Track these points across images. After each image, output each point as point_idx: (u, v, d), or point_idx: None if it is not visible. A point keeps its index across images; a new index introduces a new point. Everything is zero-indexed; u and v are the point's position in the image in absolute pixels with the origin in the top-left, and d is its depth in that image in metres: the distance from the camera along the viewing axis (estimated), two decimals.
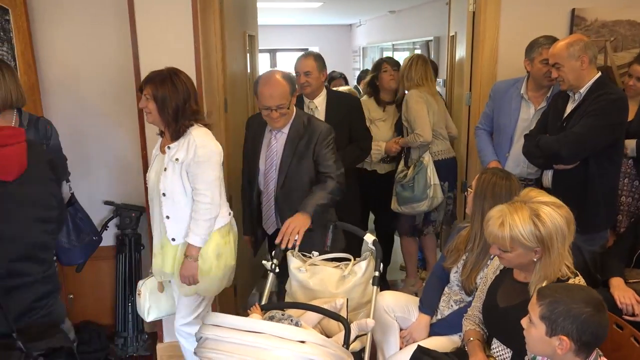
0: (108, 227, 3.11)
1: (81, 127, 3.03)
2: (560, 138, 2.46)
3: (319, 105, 3.14)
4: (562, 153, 2.44)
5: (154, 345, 3.09)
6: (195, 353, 1.90)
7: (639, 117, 2.77)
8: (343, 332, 2.00)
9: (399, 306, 2.38)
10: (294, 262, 2.37)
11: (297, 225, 2.33)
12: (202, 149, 2.21)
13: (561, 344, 1.48)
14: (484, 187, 2.15)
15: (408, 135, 3.49)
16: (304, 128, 2.51)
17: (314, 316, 2.16)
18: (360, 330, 2.09)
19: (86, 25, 2.94)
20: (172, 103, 2.19)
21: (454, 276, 2.28)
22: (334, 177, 2.48)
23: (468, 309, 2.11)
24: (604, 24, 3.21)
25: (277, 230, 2.60)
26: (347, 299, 2.21)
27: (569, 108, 2.56)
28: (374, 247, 2.36)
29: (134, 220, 3.11)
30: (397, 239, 4.02)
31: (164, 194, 2.28)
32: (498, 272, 1.99)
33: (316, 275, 2.34)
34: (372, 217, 4.06)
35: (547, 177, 2.67)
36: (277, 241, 2.34)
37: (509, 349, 1.88)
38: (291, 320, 1.98)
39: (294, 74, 3.19)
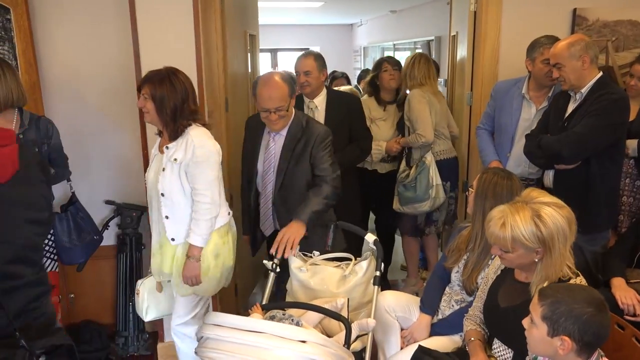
0: (109, 226, 3.11)
1: (82, 126, 3.03)
2: (562, 138, 2.46)
3: (319, 105, 3.14)
4: (564, 153, 2.44)
5: (155, 344, 3.09)
6: (196, 352, 1.90)
7: None
8: (344, 331, 2.01)
9: (400, 306, 2.38)
10: (295, 262, 2.38)
11: (291, 235, 2.31)
12: (200, 149, 2.20)
13: (563, 344, 1.48)
14: (485, 187, 2.15)
15: (410, 134, 3.49)
16: (302, 130, 2.49)
17: (314, 316, 2.16)
18: (361, 330, 2.09)
19: (87, 25, 2.95)
20: (170, 103, 2.18)
21: (455, 276, 2.28)
22: (329, 181, 2.45)
23: (469, 309, 2.11)
24: (606, 24, 3.21)
25: (275, 232, 2.60)
26: (348, 299, 2.21)
27: (570, 108, 2.56)
28: (374, 247, 2.36)
29: (134, 219, 3.11)
30: (398, 238, 4.02)
31: (162, 194, 2.27)
32: (499, 272, 1.99)
33: (317, 275, 2.34)
34: (372, 216, 4.06)
35: (549, 177, 2.67)
36: (271, 251, 2.33)
37: (510, 349, 1.87)
38: (292, 320, 1.98)
39: (294, 74, 3.20)
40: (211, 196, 2.24)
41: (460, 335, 2.18)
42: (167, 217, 2.29)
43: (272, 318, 1.99)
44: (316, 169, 2.48)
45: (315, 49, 8.71)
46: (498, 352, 1.92)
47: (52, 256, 2.70)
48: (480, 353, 1.92)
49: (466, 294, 2.23)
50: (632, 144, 2.72)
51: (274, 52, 11.22)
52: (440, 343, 2.17)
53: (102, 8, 2.93)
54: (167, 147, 2.26)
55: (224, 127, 3.07)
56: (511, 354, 1.87)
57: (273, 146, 2.55)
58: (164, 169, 2.26)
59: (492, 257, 2.06)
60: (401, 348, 2.28)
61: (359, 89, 5.23)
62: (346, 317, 2.09)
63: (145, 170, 2.74)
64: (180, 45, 2.75)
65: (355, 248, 2.53)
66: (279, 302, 2.45)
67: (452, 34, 4.04)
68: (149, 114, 2.24)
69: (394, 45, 8.54)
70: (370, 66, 6.46)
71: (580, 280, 1.77)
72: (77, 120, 3.02)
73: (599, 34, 3.20)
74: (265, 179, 2.59)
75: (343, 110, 3.15)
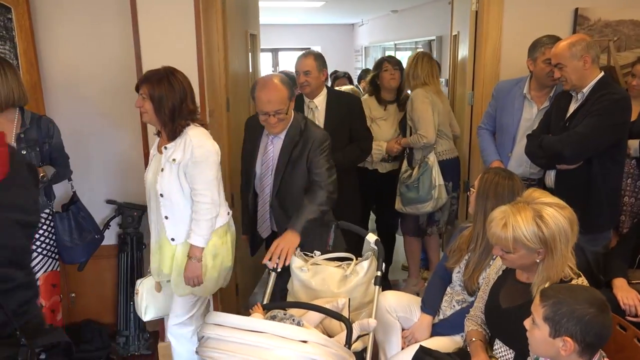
0: (110, 225, 3.11)
1: (83, 126, 3.04)
2: (563, 138, 2.45)
3: (319, 105, 3.13)
4: (565, 153, 2.44)
5: (156, 344, 3.09)
6: (197, 352, 1.90)
7: None
8: (345, 331, 2.00)
9: (401, 306, 2.38)
10: (296, 262, 2.37)
11: (285, 245, 2.30)
12: (198, 149, 2.19)
13: (565, 345, 1.47)
14: (487, 187, 2.14)
15: (412, 134, 3.48)
16: (300, 134, 2.47)
17: (315, 316, 2.16)
18: (362, 330, 2.09)
19: (88, 25, 2.95)
20: (168, 103, 2.17)
21: (456, 276, 2.27)
22: (324, 186, 2.42)
23: (470, 310, 2.10)
24: (607, 24, 3.20)
25: (273, 234, 2.60)
26: (349, 299, 2.21)
27: (572, 108, 2.55)
28: (376, 247, 2.36)
29: (136, 219, 3.11)
30: (399, 238, 4.02)
31: (161, 195, 2.27)
32: (500, 272, 1.99)
33: (318, 275, 2.34)
34: (373, 216, 4.06)
35: (550, 177, 2.66)
36: (264, 262, 2.32)
37: (511, 350, 1.87)
38: (293, 319, 1.98)
39: (293, 75, 3.19)
40: (211, 196, 2.24)
41: (462, 336, 2.17)
42: (166, 218, 2.29)
43: (273, 318, 1.99)
44: (312, 173, 2.46)
45: (317, 48, 8.73)
46: (499, 352, 1.91)
47: (53, 255, 2.70)
48: (481, 353, 1.92)
49: (467, 295, 2.23)
50: (633, 144, 2.72)
51: (275, 51, 11.23)
52: (442, 343, 2.16)
53: (103, 8, 2.93)
54: (165, 148, 2.25)
55: (225, 126, 3.07)
56: (512, 355, 1.86)
57: (271, 149, 2.54)
58: (162, 170, 2.25)
59: (494, 257, 2.05)
60: (402, 348, 2.28)
61: (358, 89, 5.23)
62: (347, 317, 2.09)
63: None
64: (181, 45, 2.75)
65: (355, 248, 2.53)
66: (280, 302, 2.45)
67: (453, 33, 4.04)
68: (147, 114, 2.22)
69: (395, 45, 8.55)
70: (371, 66, 6.45)
71: (582, 280, 1.77)
72: (78, 120, 3.02)
73: (601, 33, 3.20)
74: (263, 181, 2.58)
75: (343, 110, 3.14)
